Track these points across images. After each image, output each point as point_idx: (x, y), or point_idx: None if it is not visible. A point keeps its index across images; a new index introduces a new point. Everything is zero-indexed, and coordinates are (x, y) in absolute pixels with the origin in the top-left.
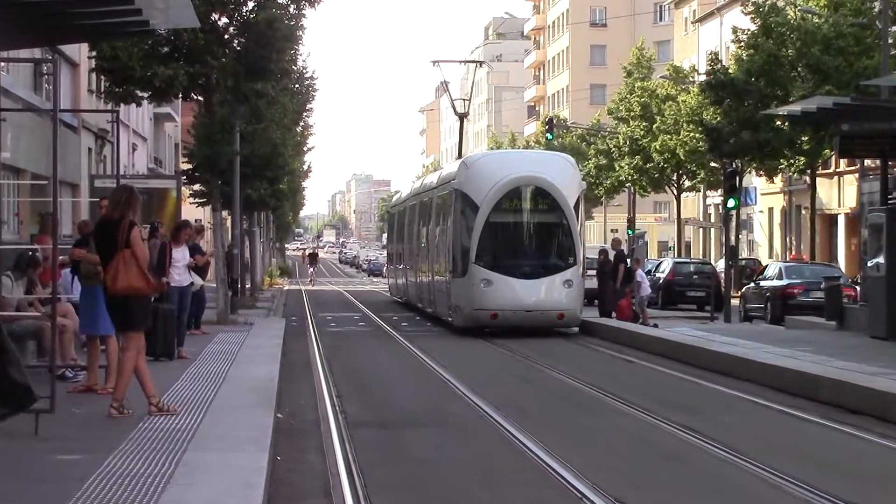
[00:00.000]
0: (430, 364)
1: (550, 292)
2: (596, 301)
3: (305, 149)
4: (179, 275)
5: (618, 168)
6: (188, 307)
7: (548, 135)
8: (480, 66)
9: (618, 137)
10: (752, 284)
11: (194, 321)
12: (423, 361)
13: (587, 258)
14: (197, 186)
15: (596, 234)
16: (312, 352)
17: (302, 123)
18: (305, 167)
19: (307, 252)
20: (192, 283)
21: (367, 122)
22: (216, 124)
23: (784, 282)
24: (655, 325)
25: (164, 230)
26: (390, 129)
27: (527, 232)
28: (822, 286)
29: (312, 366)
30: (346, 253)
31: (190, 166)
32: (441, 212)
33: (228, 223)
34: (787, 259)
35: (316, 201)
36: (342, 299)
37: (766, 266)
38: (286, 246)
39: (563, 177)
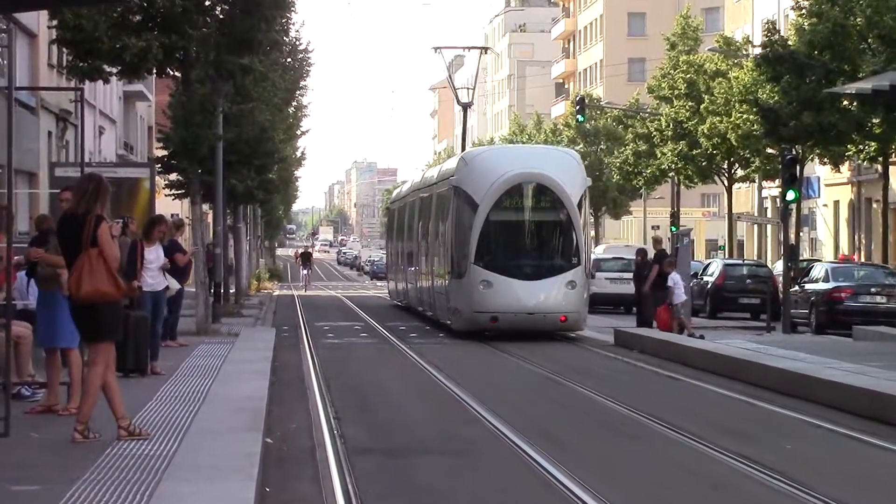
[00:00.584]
0: (442, 381)
1: (553, 294)
2: (634, 309)
3: (299, 132)
4: (153, 278)
5: (659, 155)
6: (163, 315)
7: (578, 116)
8: (486, 52)
9: (660, 120)
10: (797, 288)
11: (170, 331)
12: (435, 378)
13: (623, 259)
14: (173, 176)
15: (634, 231)
16: (307, 367)
17: (295, 103)
18: (299, 154)
19: (298, 251)
20: (166, 287)
21: (370, 103)
22: (195, 104)
23: (830, 284)
24: (701, 337)
25: (136, 226)
26: (397, 110)
27: (528, 231)
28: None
29: (307, 383)
30: (345, 253)
31: (165, 153)
32: (440, 209)
33: (210, 218)
34: (838, 259)
35: (311, 193)
36: (341, 306)
37: (811, 267)
38: (280, 243)
39: (567, 173)
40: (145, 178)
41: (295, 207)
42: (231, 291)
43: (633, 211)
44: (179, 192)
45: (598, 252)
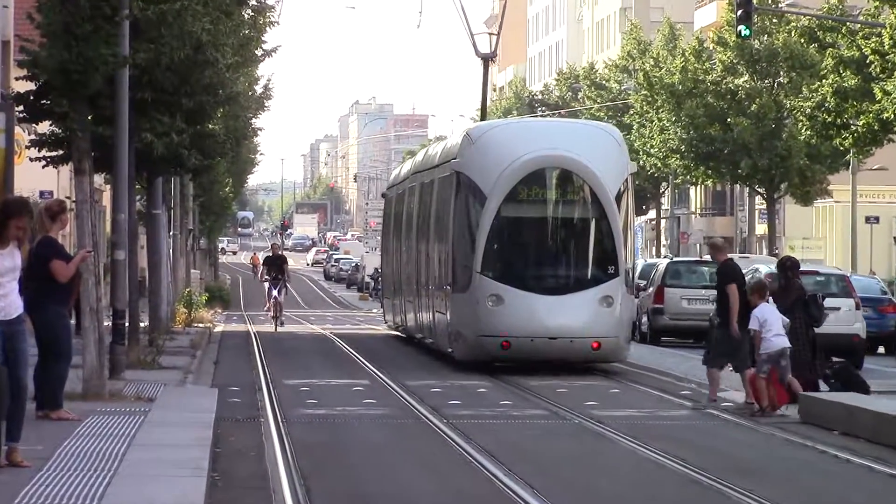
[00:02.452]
0: (504, 483)
1: (582, 313)
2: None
3: (260, 52)
4: (4, 297)
5: (879, 95)
6: (26, 360)
7: (741, 28)
8: None
9: (880, 34)
10: None
11: (51, 396)
12: (493, 478)
13: (818, 276)
14: (45, 126)
15: (837, 223)
16: (272, 457)
17: (253, 2)
18: (260, 88)
19: (256, 255)
20: (20, 318)
21: (383, 9)
22: (83, 4)
23: None
24: None
25: None
26: (427, 19)
27: (551, 231)
28: None
29: (272, 485)
30: (337, 261)
31: (32, 86)
32: (440, 201)
33: (107, 199)
34: None
35: (279, 157)
36: (331, 351)
37: None
38: (228, 244)
39: (603, 156)
40: None
41: (252, 181)
42: (142, 325)
43: (835, 191)
44: (55, 153)
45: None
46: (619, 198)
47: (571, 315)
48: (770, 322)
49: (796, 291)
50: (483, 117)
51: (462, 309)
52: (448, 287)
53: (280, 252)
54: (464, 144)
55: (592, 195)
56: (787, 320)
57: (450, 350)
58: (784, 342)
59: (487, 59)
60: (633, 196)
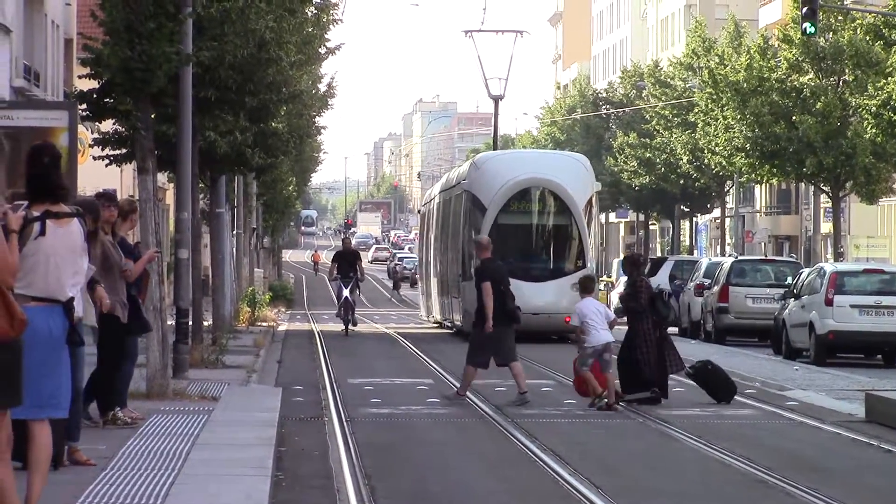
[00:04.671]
0: (571, 485)
1: (557, 295)
2: None
3: (323, 50)
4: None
5: None
6: (83, 361)
7: (807, 25)
8: (521, 35)
9: None
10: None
11: (119, 395)
12: (559, 479)
13: (883, 275)
14: (108, 125)
15: None
16: (336, 457)
17: (315, 0)
18: (323, 87)
19: (318, 254)
20: (80, 319)
21: (446, 3)
22: (146, 2)
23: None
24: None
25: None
26: (491, 13)
27: (535, 234)
28: None
29: (336, 485)
30: (400, 260)
31: (95, 84)
32: (455, 213)
33: (170, 198)
34: None
35: (343, 155)
36: (394, 351)
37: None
38: (291, 241)
39: (574, 179)
40: (61, 129)
41: (316, 180)
42: (206, 324)
43: None
44: (118, 151)
45: (833, 263)
46: (586, 209)
47: (549, 297)
48: (590, 316)
49: (644, 289)
50: (494, 147)
51: (469, 294)
52: (459, 277)
53: (353, 248)
54: (471, 169)
55: (565, 207)
56: (612, 315)
57: (461, 326)
58: (609, 337)
59: (497, 101)
60: (598, 208)
